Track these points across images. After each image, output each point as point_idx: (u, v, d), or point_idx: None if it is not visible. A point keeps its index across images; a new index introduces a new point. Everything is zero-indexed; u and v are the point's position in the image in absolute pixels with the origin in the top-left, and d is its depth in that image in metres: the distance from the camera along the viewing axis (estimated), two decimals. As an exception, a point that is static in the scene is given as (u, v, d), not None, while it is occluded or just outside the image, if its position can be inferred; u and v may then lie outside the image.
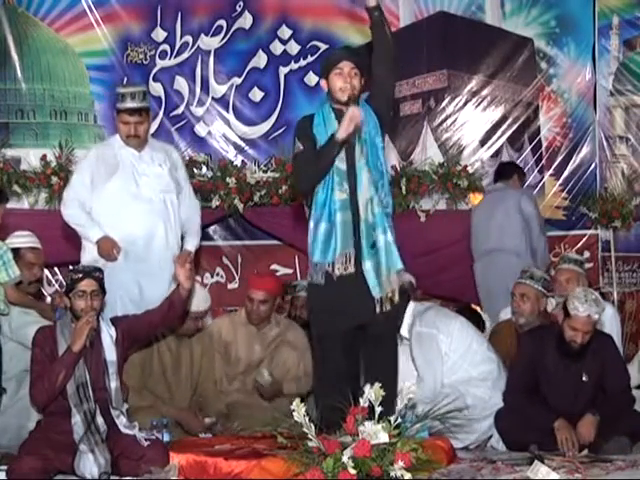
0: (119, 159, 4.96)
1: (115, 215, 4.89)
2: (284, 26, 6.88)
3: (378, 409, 3.55)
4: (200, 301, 4.82)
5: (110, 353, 4.18)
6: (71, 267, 4.46)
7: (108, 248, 4.86)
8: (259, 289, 5.12)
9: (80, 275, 4.20)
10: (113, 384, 4.15)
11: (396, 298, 4.06)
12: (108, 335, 4.20)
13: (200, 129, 6.81)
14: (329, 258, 4.00)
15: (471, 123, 7.13)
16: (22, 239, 4.88)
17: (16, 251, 4.74)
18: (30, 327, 4.42)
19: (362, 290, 4.01)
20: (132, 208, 4.91)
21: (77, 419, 4.04)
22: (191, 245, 5.08)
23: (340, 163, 4.02)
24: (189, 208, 5.14)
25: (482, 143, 7.15)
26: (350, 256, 4.00)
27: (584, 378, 4.64)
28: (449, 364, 4.78)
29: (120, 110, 4.91)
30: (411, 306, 4.85)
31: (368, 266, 4.00)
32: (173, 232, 5.01)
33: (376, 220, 4.02)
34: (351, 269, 4.00)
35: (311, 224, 4.05)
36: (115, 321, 4.28)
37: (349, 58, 4.08)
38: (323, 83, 4.15)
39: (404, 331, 4.80)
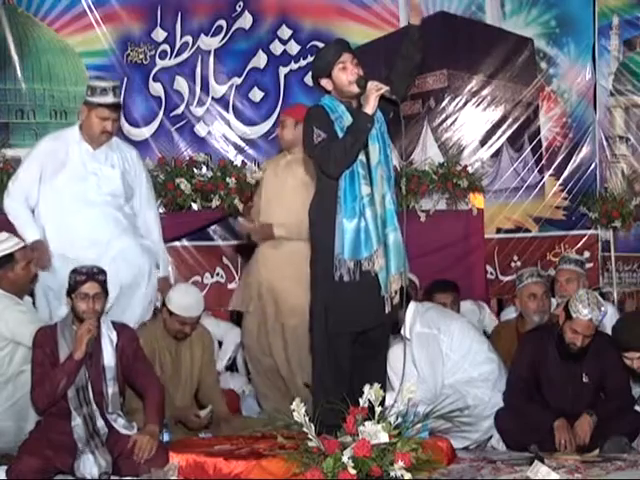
0: (69, 156, 4.84)
1: (58, 217, 4.79)
2: (284, 26, 6.86)
3: (378, 409, 3.55)
4: (194, 307, 4.80)
5: (109, 358, 4.16)
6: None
7: (40, 253, 4.74)
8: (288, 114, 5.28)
9: (83, 277, 4.17)
10: (110, 390, 4.13)
11: (396, 300, 4.03)
12: (108, 339, 4.18)
13: (200, 129, 6.79)
14: (364, 254, 3.92)
15: (471, 123, 7.11)
16: (9, 243, 4.63)
17: (10, 256, 4.59)
18: (27, 326, 4.40)
19: (375, 290, 3.97)
20: (74, 209, 4.80)
21: (77, 421, 4.04)
22: (163, 270, 5.07)
23: (361, 155, 3.96)
24: (147, 212, 5.06)
25: (482, 143, 7.14)
26: (380, 252, 3.95)
27: (584, 379, 4.64)
28: (450, 364, 4.78)
29: (100, 104, 4.76)
30: (412, 306, 4.84)
31: (382, 265, 3.96)
32: (117, 239, 4.87)
33: (387, 217, 3.99)
34: (383, 265, 3.95)
35: (339, 220, 3.92)
36: (120, 329, 4.25)
37: (347, 50, 4.04)
38: (326, 82, 4.04)
39: (405, 332, 4.80)
